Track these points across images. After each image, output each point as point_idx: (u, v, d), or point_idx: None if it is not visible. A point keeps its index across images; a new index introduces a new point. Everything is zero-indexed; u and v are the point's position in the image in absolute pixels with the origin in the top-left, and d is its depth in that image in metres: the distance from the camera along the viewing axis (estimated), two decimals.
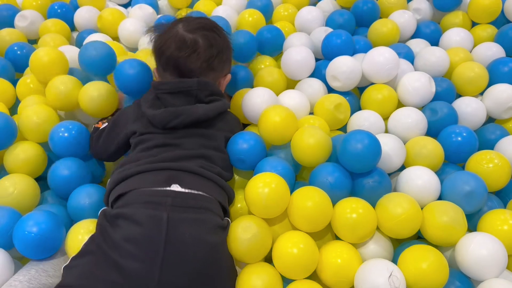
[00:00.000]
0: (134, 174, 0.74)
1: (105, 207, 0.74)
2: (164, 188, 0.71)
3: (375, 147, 0.77)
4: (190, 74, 0.83)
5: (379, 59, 0.96)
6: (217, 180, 0.77)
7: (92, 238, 0.71)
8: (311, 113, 0.99)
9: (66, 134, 0.88)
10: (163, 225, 0.66)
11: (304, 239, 0.72)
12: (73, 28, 1.28)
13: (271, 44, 1.10)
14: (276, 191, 0.73)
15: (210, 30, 0.86)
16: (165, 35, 0.86)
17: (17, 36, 1.18)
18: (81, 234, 0.75)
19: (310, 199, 0.73)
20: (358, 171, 0.79)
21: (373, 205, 0.77)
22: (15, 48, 1.12)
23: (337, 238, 0.78)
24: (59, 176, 0.85)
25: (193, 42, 0.83)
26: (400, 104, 0.97)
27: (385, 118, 0.95)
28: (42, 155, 0.90)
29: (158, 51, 0.86)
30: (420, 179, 0.80)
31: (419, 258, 0.68)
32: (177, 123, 0.79)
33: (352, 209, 0.74)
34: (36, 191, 0.86)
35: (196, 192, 0.72)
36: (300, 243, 0.71)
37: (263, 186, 0.73)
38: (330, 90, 1.02)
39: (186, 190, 0.71)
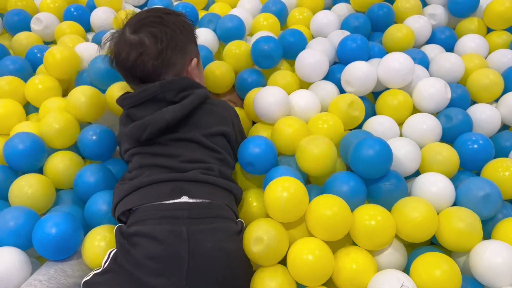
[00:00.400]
0: (138, 188, 0.73)
1: (120, 224, 0.74)
2: (178, 201, 0.70)
3: (386, 153, 0.78)
4: (149, 77, 0.79)
5: (394, 64, 0.96)
6: (222, 183, 0.75)
7: (113, 257, 0.70)
8: None
9: (94, 137, 0.90)
10: (184, 239, 0.66)
11: (319, 246, 0.72)
12: (89, 29, 1.30)
13: (293, 48, 1.09)
14: (295, 196, 0.73)
15: (155, 23, 0.79)
16: (116, 43, 0.82)
17: (34, 40, 1.20)
18: (97, 240, 0.76)
19: (330, 208, 0.72)
20: (370, 177, 0.80)
21: (390, 208, 0.78)
22: (35, 50, 1.14)
23: (354, 244, 0.79)
24: (84, 183, 0.87)
25: (138, 44, 0.77)
26: (415, 110, 0.97)
27: (400, 124, 0.95)
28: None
29: (114, 62, 0.82)
30: (435, 186, 0.80)
31: (432, 265, 0.68)
32: (148, 135, 0.75)
33: (371, 216, 0.74)
34: (52, 191, 0.87)
35: (207, 201, 0.72)
36: (316, 249, 0.71)
37: (282, 190, 0.73)
38: (343, 93, 1.02)
39: (198, 200, 0.71)
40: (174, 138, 0.77)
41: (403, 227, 0.75)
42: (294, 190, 0.74)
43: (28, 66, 1.12)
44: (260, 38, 1.06)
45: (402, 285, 0.66)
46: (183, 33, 0.82)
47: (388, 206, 0.78)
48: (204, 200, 0.72)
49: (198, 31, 1.17)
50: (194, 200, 0.71)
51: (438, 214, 0.77)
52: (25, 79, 1.06)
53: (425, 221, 0.73)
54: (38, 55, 1.13)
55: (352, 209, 0.77)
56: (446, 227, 0.74)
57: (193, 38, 0.87)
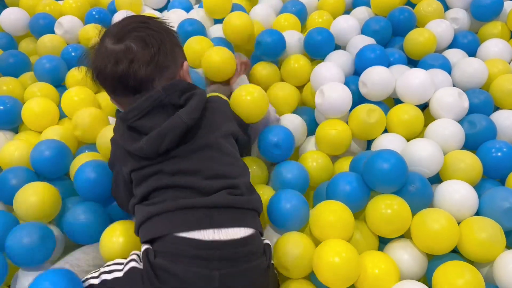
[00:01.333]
0: (161, 213, 0.68)
1: (147, 248, 0.67)
2: (210, 239, 0.65)
3: (401, 168, 0.78)
4: (143, 85, 0.73)
5: (414, 81, 0.95)
6: (248, 203, 0.71)
7: (136, 272, 0.66)
8: None
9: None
10: (215, 285, 0.63)
11: (346, 248, 0.72)
12: None
13: (320, 46, 1.12)
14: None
15: (140, 28, 0.75)
16: (97, 58, 0.75)
17: (58, 42, 1.22)
18: (115, 236, 0.76)
19: (332, 214, 0.76)
20: (384, 191, 0.80)
21: (414, 211, 0.78)
22: (70, 49, 1.18)
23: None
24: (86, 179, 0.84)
25: (126, 51, 0.72)
26: (426, 124, 0.96)
27: (411, 139, 0.93)
28: None
29: (98, 78, 0.76)
30: (458, 193, 0.80)
31: (455, 275, 0.67)
32: (168, 144, 0.70)
33: (387, 204, 0.76)
34: (58, 199, 0.85)
35: (239, 238, 0.67)
36: (342, 252, 0.71)
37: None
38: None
39: (230, 238, 0.66)
40: (194, 148, 0.72)
41: (423, 239, 0.75)
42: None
43: (64, 65, 1.15)
44: (265, 31, 1.10)
45: None
46: (169, 36, 0.79)
47: (413, 210, 0.78)
48: (236, 238, 0.66)
49: None
50: (227, 239, 0.65)
51: (460, 222, 0.77)
52: (61, 78, 1.12)
53: (445, 233, 0.73)
54: (73, 54, 1.17)
55: (354, 210, 0.79)
56: (468, 237, 0.74)
57: (178, 42, 0.83)
